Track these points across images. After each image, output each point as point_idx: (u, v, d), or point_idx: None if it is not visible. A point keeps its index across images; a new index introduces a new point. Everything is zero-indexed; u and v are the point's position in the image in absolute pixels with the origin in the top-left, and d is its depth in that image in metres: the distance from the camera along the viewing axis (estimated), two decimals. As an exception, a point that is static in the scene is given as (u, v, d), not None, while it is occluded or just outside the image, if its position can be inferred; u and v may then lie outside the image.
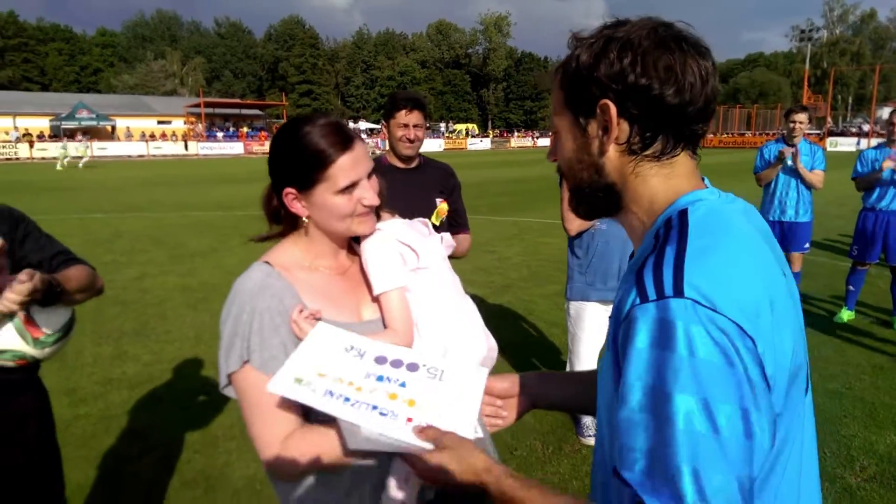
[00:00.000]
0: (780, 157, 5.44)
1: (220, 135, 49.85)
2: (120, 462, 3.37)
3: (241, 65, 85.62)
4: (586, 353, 3.44)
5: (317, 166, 1.20)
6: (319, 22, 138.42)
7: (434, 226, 2.73)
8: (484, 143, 63.97)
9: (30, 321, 1.57)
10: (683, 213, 0.85)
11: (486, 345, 1.33)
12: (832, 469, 3.26)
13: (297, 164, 1.22)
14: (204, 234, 10.85)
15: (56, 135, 44.22)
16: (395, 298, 1.26)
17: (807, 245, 5.75)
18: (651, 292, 0.77)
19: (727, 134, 63.83)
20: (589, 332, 3.42)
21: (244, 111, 58.92)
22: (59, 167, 29.75)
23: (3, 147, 38.26)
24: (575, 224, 3.37)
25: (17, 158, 37.95)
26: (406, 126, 2.81)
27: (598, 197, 0.95)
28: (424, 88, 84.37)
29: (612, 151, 0.90)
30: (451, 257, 2.82)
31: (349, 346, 1.14)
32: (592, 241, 3.37)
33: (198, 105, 50.56)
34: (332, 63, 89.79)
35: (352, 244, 1.36)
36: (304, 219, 1.27)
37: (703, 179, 0.95)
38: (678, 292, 0.75)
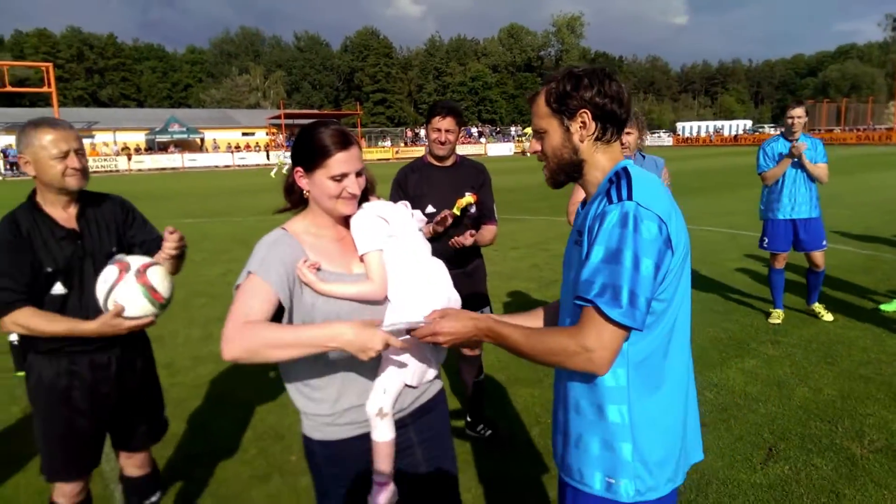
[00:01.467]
0: (793, 153, 5.30)
1: (298, 144, 52.07)
2: (206, 419, 4.00)
3: (318, 76, 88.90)
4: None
5: (320, 156, 1.68)
6: (393, 31, 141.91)
7: (456, 216, 3.19)
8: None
9: (153, 289, 2.07)
10: (625, 168, 1.50)
11: (445, 296, 1.75)
12: (840, 441, 3.46)
13: (308, 152, 1.71)
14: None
15: (151, 148, 47.66)
16: (374, 258, 1.71)
17: (824, 242, 5.54)
18: (615, 199, 1.40)
19: (814, 130, 60.68)
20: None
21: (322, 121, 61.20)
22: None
23: (105, 160, 41.58)
24: (573, 210, 3.72)
25: (117, 171, 41.14)
26: (439, 130, 3.28)
27: (572, 168, 1.56)
28: (496, 93, 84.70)
29: (586, 142, 1.51)
30: (478, 245, 3.27)
31: None
32: None
33: (278, 117, 53.03)
34: (406, 71, 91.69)
35: (346, 221, 1.81)
36: (306, 194, 1.74)
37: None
38: (630, 199, 1.39)
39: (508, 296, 6.79)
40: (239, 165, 45.28)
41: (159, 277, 2.08)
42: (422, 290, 1.71)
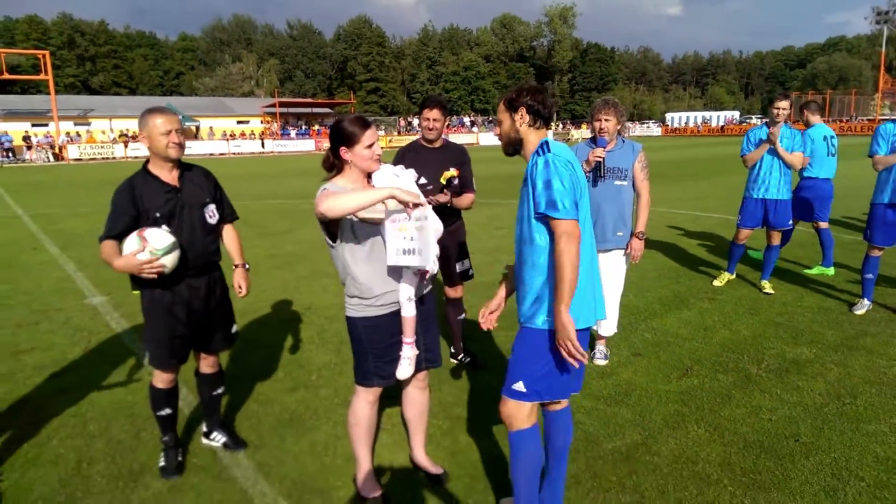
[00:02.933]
0: (769, 139, 6.10)
1: (293, 133, 52.72)
2: (241, 354, 4.92)
3: (311, 65, 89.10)
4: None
5: (356, 135, 2.61)
6: (386, 20, 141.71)
7: (442, 185, 4.10)
8: (548, 136, 64.36)
9: (143, 238, 2.82)
10: (545, 140, 2.47)
11: (440, 226, 2.69)
12: (743, 365, 4.43)
13: (347, 135, 2.63)
14: (284, 217, 12.60)
15: (147, 135, 48.16)
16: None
17: (790, 222, 6.36)
18: (540, 153, 2.40)
19: (797, 121, 61.75)
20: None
21: (315, 110, 61.73)
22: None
23: (102, 147, 42.11)
24: None
25: (114, 158, 41.68)
26: (428, 119, 4.18)
27: (516, 143, 2.55)
28: (489, 83, 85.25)
29: (523, 126, 2.49)
30: (457, 207, 4.16)
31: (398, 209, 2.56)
32: None
33: (273, 105, 53.61)
34: (399, 60, 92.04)
35: (368, 178, 2.74)
36: (348, 162, 2.66)
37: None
38: (547, 152, 2.39)
39: (495, 265, 7.71)
40: (234, 153, 45.89)
41: (154, 233, 2.88)
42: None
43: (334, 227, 2.65)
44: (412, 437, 3.20)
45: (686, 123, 73.18)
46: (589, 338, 2.60)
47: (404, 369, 2.80)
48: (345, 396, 4.07)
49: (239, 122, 55.13)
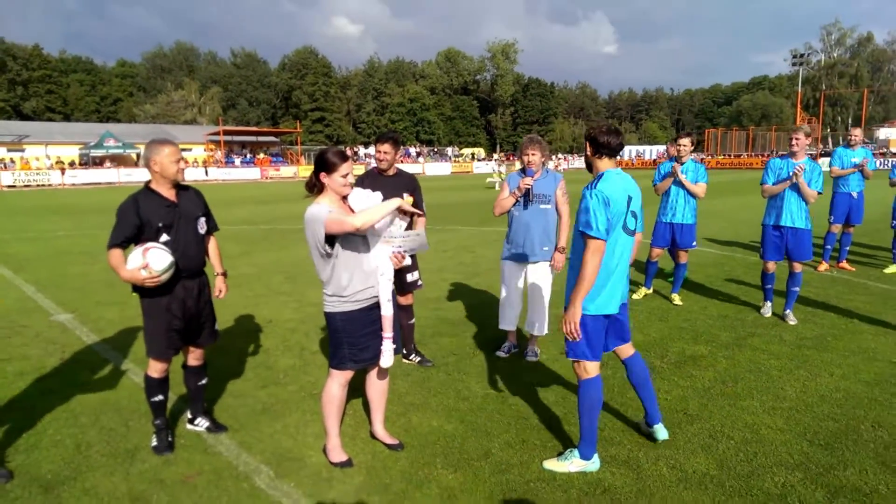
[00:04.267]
0: (673, 172, 7.27)
1: (237, 161, 52.49)
2: (212, 357, 5.40)
3: (255, 93, 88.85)
4: (503, 297, 5.43)
5: (335, 164, 3.27)
6: (332, 51, 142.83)
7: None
8: (490, 167, 66.08)
9: (146, 262, 3.45)
10: (602, 175, 3.44)
11: (399, 232, 3.38)
12: (648, 359, 5.25)
13: (328, 164, 3.29)
14: (236, 242, 12.97)
15: (85, 162, 47.08)
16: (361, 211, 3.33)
17: (694, 243, 7.33)
18: (589, 187, 3.38)
19: (724, 155, 65.85)
20: (505, 278, 5.41)
21: (260, 138, 61.61)
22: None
23: (38, 174, 40.96)
24: (497, 210, 5.39)
25: (50, 185, 40.60)
26: (380, 152, 4.88)
27: (590, 167, 3.54)
28: (434, 114, 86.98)
29: (592, 155, 3.50)
30: (410, 227, 4.84)
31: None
32: (511, 221, 5.36)
33: (217, 133, 53.33)
34: (344, 90, 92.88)
35: (344, 199, 3.41)
36: (326, 186, 3.33)
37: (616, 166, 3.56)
38: (594, 188, 3.36)
39: (441, 282, 8.40)
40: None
41: (155, 255, 3.44)
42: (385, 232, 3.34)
43: (334, 239, 3.28)
44: (373, 414, 3.82)
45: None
46: (606, 322, 3.58)
47: (387, 359, 3.45)
48: (310, 391, 4.65)
49: (181, 150, 54.41)
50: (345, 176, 3.32)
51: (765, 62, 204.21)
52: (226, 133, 53.96)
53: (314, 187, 3.40)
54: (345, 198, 3.41)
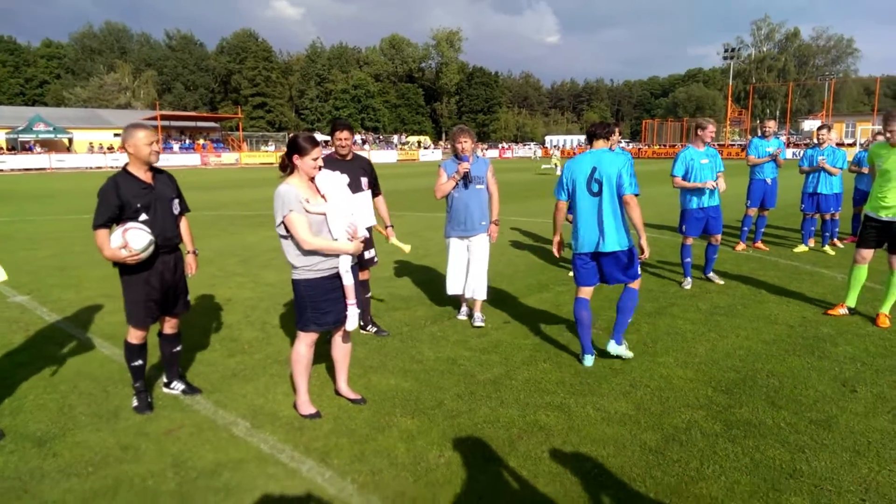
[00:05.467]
0: None
1: (176, 147, 51.14)
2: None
3: (192, 77, 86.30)
4: (450, 268, 5.96)
5: (306, 148, 3.68)
6: (272, 34, 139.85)
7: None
8: (436, 155, 66.57)
9: (126, 240, 3.80)
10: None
11: (363, 213, 3.82)
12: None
13: (300, 147, 3.69)
14: (185, 227, 13.02)
15: (14, 148, 44.92)
16: (327, 194, 3.75)
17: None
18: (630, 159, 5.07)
19: (660, 145, 68.43)
20: (451, 253, 5.94)
21: (200, 124, 60.08)
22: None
23: (-40, 159, 38.94)
24: (438, 194, 5.89)
25: (-26, 170, 38.67)
26: (340, 139, 5.29)
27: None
28: (378, 101, 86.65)
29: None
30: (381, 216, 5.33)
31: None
32: (451, 202, 5.87)
33: (154, 118, 51.74)
34: (286, 76, 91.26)
35: (311, 179, 3.82)
36: (297, 167, 3.73)
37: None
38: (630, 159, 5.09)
39: (391, 263, 8.84)
40: (112, 167, 43.92)
41: (134, 235, 3.77)
42: (347, 209, 3.77)
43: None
44: (337, 374, 4.26)
45: (564, 146, 78.38)
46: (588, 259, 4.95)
47: (352, 322, 3.88)
48: (275, 358, 5.04)
49: (116, 135, 52.59)
50: (315, 159, 3.73)
51: (700, 55, 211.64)
52: (163, 118, 52.41)
53: (286, 168, 3.80)
54: (312, 179, 3.82)
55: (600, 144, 4.94)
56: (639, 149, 66.76)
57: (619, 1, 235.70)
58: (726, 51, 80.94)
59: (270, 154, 54.37)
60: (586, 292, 5.02)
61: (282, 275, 8.20)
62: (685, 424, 3.92)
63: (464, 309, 6.21)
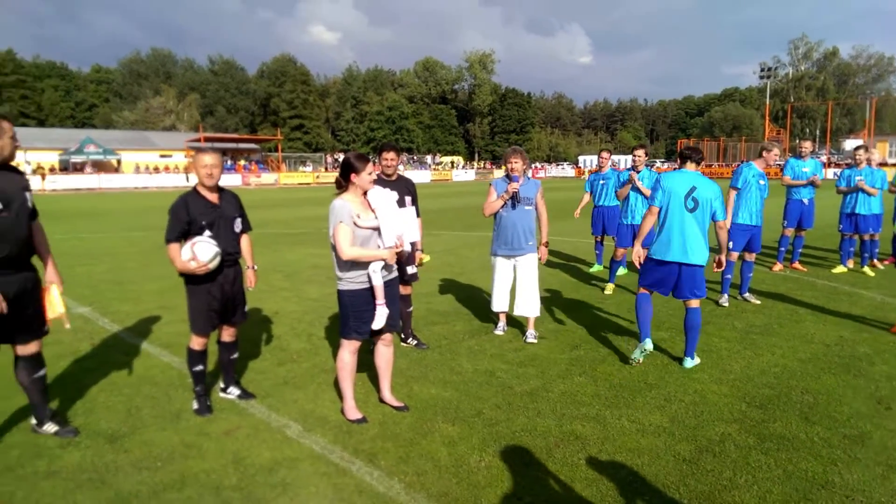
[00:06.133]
0: (630, 180, 8.18)
1: (217, 167, 52.60)
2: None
3: (234, 100, 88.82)
4: (496, 286, 6.17)
5: (360, 166, 3.97)
6: (310, 59, 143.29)
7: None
8: (469, 175, 67.12)
9: (194, 252, 4.12)
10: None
11: (410, 227, 4.09)
12: (617, 344, 6.00)
13: (354, 166, 3.98)
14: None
15: (66, 168, 46.90)
16: (377, 209, 4.02)
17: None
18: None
19: (666, 163, 67.67)
20: (497, 271, 6.15)
21: (241, 145, 61.80)
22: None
23: (16, 179, 40.73)
24: (486, 211, 6.13)
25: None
26: (387, 160, 5.59)
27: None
28: (412, 122, 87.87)
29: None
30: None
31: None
32: (499, 221, 6.10)
33: (198, 139, 53.44)
34: (323, 98, 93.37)
35: (365, 193, 4.11)
36: (354, 183, 4.02)
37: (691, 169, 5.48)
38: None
39: (430, 280, 9.09)
40: (157, 187, 45.47)
41: (202, 248, 4.10)
42: (398, 222, 4.03)
43: None
44: (381, 381, 4.50)
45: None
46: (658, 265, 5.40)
47: (378, 321, 4.11)
48: (322, 368, 5.31)
49: (162, 156, 54.53)
50: (369, 173, 4.03)
51: (736, 74, 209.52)
52: (206, 140, 54.05)
53: (341, 185, 4.09)
54: (365, 193, 4.10)
55: (692, 167, 5.45)
56: (674, 168, 66.13)
57: (651, 21, 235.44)
58: (763, 70, 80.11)
59: (308, 174, 55.57)
60: (649, 290, 5.52)
61: (324, 289, 8.52)
62: (719, 437, 4.04)
63: (501, 325, 6.39)
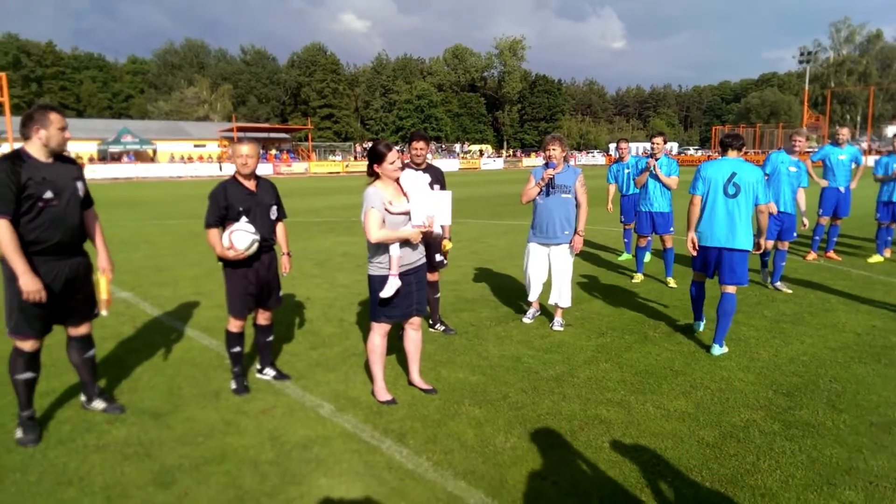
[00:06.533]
0: (647, 167, 8.10)
1: (249, 156, 53.45)
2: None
3: (265, 90, 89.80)
4: (530, 273, 6.22)
5: (383, 154, 4.09)
6: (340, 47, 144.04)
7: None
8: (497, 163, 66.88)
9: (231, 240, 4.27)
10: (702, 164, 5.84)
11: (442, 209, 4.20)
12: (644, 331, 6.04)
13: (379, 154, 4.10)
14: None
15: (104, 158, 48.15)
16: (409, 192, 4.14)
17: (671, 229, 8.23)
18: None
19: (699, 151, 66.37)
20: (530, 258, 6.20)
21: (272, 135, 62.56)
22: None
23: (57, 169, 41.98)
24: (523, 198, 6.18)
25: (69, 179, 41.58)
26: (416, 149, 5.69)
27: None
28: (441, 111, 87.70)
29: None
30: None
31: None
32: (535, 208, 6.15)
33: (230, 129, 54.30)
34: (352, 87, 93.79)
35: (396, 181, 4.22)
36: (379, 172, 4.14)
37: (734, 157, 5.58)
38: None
39: (457, 268, 9.21)
40: (192, 176, 46.42)
41: (239, 236, 4.27)
42: (429, 202, 4.14)
43: None
44: (410, 364, 4.63)
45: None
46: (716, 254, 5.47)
47: (387, 291, 4.15)
48: (353, 352, 5.47)
49: (196, 146, 55.55)
50: (392, 162, 4.13)
51: (774, 58, 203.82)
52: (239, 129, 54.88)
53: (372, 173, 4.22)
54: (398, 181, 4.22)
55: (733, 154, 5.51)
56: (708, 156, 64.98)
57: (688, 5, 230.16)
58: (802, 54, 77.77)
59: (337, 163, 56.02)
60: (701, 277, 5.78)
61: (353, 276, 8.70)
62: (743, 423, 4.08)
63: (531, 311, 6.44)
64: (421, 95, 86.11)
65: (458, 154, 71.33)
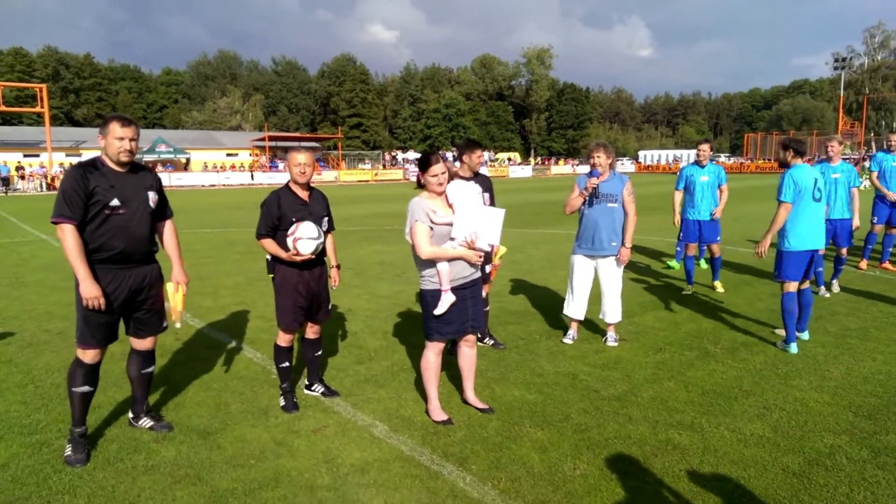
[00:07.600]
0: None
1: (281, 165, 53.94)
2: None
3: (295, 100, 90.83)
4: (574, 288, 5.95)
5: (429, 166, 3.90)
6: (369, 58, 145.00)
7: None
8: (525, 171, 66.52)
9: (297, 245, 4.13)
10: (794, 168, 5.73)
11: (490, 224, 3.98)
12: (704, 346, 5.75)
13: (423, 162, 3.93)
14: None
15: (138, 167, 48.98)
16: (455, 204, 3.94)
17: (718, 238, 7.98)
18: (785, 172, 5.72)
19: (764, 159, 65.02)
20: (575, 271, 5.95)
21: (303, 144, 63.11)
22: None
23: (93, 178, 42.90)
24: (567, 209, 5.95)
25: (105, 188, 42.40)
26: (478, 156, 5.51)
27: (786, 165, 5.75)
28: (469, 119, 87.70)
29: (789, 157, 5.72)
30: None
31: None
32: (581, 218, 5.91)
33: (262, 139, 54.97)
34: (381, 97, 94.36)
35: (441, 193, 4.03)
36: (423, 181, 3.96)
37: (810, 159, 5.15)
38: (788, 171, 5.69)
39: (499, 279, 8.95)
40: (224, 185, 46.98)
41: (303, 244, 4.13)
42: (475, 218, 3.93)
43: None
44: (465, 382, 4.42)
45: (658, 161, 76.20)
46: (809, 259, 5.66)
47: (441, 307, 3.98)
48: (401, 367, 5.28)
49: (228, 155, 56.30)
50: (434, 175, 3.93)
51: (806, 65, 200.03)
52: (270, 139, 55.56)
53: (420, 184, 4.04)
54: (441, 192, 4.03)
55: (803, 161, 5.73)
56: (741, 163, 63.84)
57: (716, 13, 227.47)
58: (836, 60, 76.07)
59: (366, 172, 56.22)
60: (794, 286, 5.65)
61: (394, 287, 8.53)
62: (828, 449, 3.78)
63: (571, 333, 6.04)
64: (449, 104, 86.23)
65: (486, 162, 71.09)
